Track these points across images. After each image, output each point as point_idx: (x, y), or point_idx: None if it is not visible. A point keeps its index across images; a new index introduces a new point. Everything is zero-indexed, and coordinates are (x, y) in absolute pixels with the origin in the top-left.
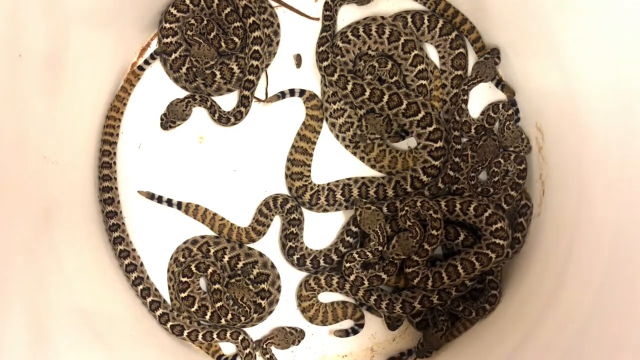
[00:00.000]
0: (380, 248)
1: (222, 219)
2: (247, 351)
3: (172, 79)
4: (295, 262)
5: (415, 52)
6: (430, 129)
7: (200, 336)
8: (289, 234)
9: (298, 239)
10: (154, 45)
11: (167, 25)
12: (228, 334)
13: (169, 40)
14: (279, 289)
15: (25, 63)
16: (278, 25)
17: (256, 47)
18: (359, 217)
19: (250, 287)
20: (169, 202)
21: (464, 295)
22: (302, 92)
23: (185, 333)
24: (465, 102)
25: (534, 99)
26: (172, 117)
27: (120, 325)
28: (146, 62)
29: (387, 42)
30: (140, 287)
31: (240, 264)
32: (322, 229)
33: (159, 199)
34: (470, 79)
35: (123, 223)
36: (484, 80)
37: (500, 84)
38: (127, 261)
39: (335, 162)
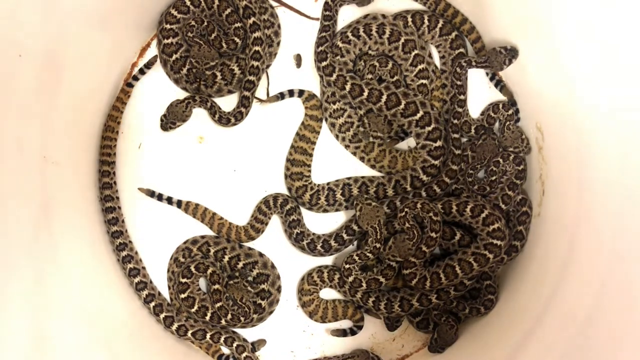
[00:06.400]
0: (378, 245)
1: (221, 218)
2: (243, 355)
3: (172, 80)
4: (322, 251)
5: (416, 51)
6: (429, 128)
7: (207, 336)
8: (296, 236)
9: (306, 234)
10: (153, 46)
11: (168, 27)
12: (222, 339)
13: (169, 41)
14: (279, 289)
15: (25, 63)
16: (279, 26)
17: (257, 48)
18: (358, 213)
19: (249, 288)
20: (169, 200)
21: (463, 295)
22: (301, 92)
23: (189, 333)
24: (463, 94)
25: (534, 99)
26: (172, 118)
27: (120, 326)
28: (135, 78)
29: (387, 43)
30: (145, 292)
31: (240, 264)
32: (322, 230)
33: (159, 197)
34: (477, 59)
35: (126, 230)
36: (489, 68)
37: (499, 84)
38: (130, 265)
39: (335, 162)
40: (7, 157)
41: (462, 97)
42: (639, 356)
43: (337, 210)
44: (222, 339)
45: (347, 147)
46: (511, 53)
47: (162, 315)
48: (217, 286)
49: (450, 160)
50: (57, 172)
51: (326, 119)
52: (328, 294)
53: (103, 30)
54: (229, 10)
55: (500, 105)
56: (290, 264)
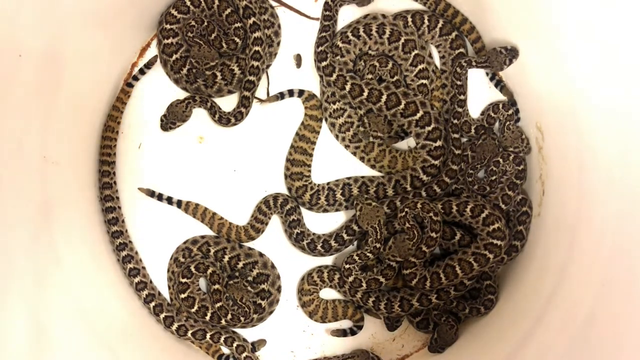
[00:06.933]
0: (378, 245)
1: (221, 218)
2: (243, 355)
3: (172, 80)
4: (322, 251)
5: (416, 51)
6: (429, 128)
7: (207, 336)
8: (296, 236)
9: (306, 234)
10: (153, 46)
11: (168, 27)
12: (222, 339)
13: (169, 41)
14: (279, 289)
15: (25, 63)
16: (279, 26)
17: (257, 48)
18: (358, 213)
19: (249, 288)
20: (169, 200)
21: (463, 295)
22: (301, 92)
23: (189, 333)
24: (463, 94)
25: (534, 99)
26: (172, 118)
27: (120, 326)
28: (135, 78)
29: (387, 43)
30: (145, 292)
31: (241, 264)
32: (322, 230)
33: (159, 197)
34: (477, 59)
35: (126, 230)
36: (489, 68)
37: (499, 84)
38: (130, 265)
39: (335, 162)
40: (7, 157)
41: (462, 97)
42: (639, 356)
43: (337, 210)
44: (222, 339)
45: (347, 147)
46: (511, 53)
47: (162, 315)
48: (217, 286)
49: (450, 160)
50: (57, 172)
51: (326, 119)
52: (328, 294)
53: (103, 30)
54: (229, 10)
55: (500, 105)
56: (290, 264)
